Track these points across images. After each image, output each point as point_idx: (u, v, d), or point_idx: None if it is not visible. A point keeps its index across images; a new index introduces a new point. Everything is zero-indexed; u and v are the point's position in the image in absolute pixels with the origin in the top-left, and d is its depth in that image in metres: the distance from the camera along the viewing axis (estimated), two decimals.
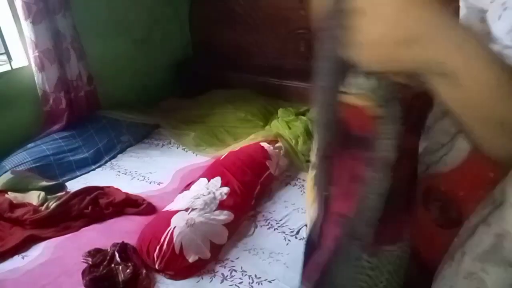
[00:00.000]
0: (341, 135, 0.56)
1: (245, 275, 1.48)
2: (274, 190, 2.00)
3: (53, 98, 2.31)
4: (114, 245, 1.57)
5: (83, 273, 1.45)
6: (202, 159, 2.28)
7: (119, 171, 2.24)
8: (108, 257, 1.50)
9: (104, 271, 1.44)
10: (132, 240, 1.61)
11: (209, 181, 1.85)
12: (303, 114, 2.48)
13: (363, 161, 0.54)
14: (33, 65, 2.23)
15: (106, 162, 2.33)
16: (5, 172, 2.02)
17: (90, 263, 1.50)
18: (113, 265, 1.47)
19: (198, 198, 1.73)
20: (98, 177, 2.17)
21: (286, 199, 1.93)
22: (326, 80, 0.53)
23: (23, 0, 2.08)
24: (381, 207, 0.53)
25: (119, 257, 1.50)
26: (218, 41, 3.11)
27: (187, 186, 1.87)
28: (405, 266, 0.61)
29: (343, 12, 0.44)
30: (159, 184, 2.09)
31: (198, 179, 1.87)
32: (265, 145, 2.10)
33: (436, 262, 0.57)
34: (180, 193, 1.87)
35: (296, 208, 1.85)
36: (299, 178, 2.09)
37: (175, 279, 1.49)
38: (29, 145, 2.20)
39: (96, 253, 1.55)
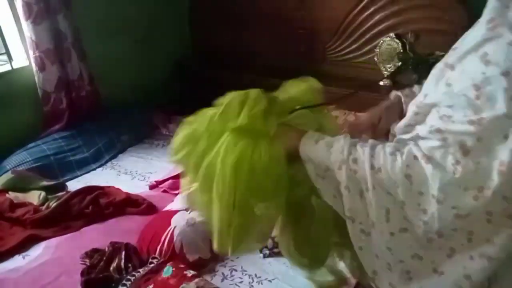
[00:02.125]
0: None
1: (245, 274, 1.49)
2: None
3: (54, 98, 2.32)
4: (112, 244, 1.57)
5: (82, 274, 1.46)
6: None
7: (119, 171, 2.24)
8: (105, 258, 1.50)
9: (101, 274, 1.44)
10: (132, 240, 1.61)
11: None
12: None
13: None
14: (33, 65, 2.24)
15: (106, 161, 2.34)
16: (6, 172, 2.03)
17: (88, 264, 1.50)
18: (111, 268, 1.47)
19: None
20: (98, 177, 2.17)
21: None
22: None
23: (23, 0, 2.08)
24: None
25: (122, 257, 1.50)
26: (218, 41, 3.11)
27: None
28: None
29: None
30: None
31: None
32: None
33: None
34: (179, 192, 1.88)
35: None
36: None
37: None
38: (30, 145, 2.20)
39: (93, 254, 1.55)
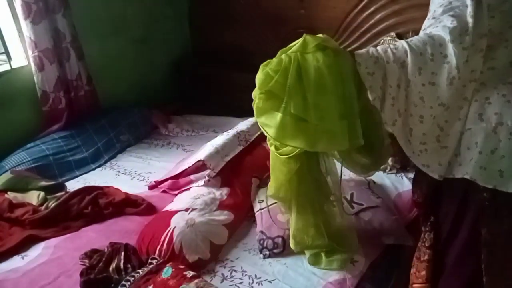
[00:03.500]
0: None
1: (245, 275, 1.48)
2: None
3: (53, 98, 2.31)
4: (111, 244, 1.56)
5: (81, 274, 1.45)
6: None
7: (118, 171, 2.23)
8: (104, 258, 1.50)
9: (100, 275, 1.43)
10: (131, 240, 1.61)
11: (209, 181, 1.85)
12: None
13: None
14: (32, 64, 2.23)
15: (105, 161, 2.33)
16: (5, 172, 2.02)
17: (87, 265, 1.50)
18: (110, 268, 1.46)
19: (198, 198, 1.72)
20: (97, 177, 2.17)
21: None
22: None
23: None
24: None
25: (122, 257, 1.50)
26: (218, 41, 3.10)
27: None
28: None
29: None
30: None
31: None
32: (266, 145, 2.10)
33: None
34: (179, 192, 1.87)
35: None
36: None
37: None
38: (29, 145, 2.20)
39: (93, 254, 1.54)
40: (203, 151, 1.95)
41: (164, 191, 1.98)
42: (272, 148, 1.30)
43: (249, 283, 1.44)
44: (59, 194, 1.92)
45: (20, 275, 1.50)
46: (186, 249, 1.50)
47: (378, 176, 1.97)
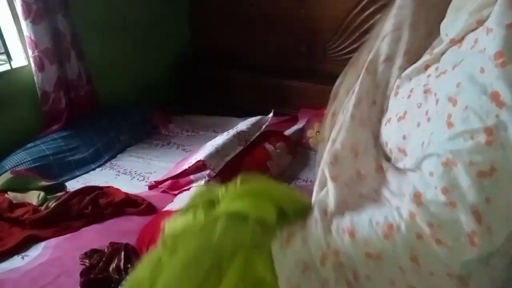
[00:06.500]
0: None
1: None
2: None
3: (53, 97, 2.31)
4: (111, 244, 1.56)
5: (81, 274, 1.45)
6: None
7: (118, 171, 2.23)
8: (104, 258, 1.50)
9: (100, 275, 1.43)
10: (131, 240, 1.60)
11: (209, 181, 1.85)
12: None
13: None
14: (32, 64, 2.23)
15: (105, 161, 2.33)
16: (5, 172, 2.02)
17: (88, 264, 1.50)
18: (110, 268, 1.46)
19: None
20: (97, 177, 2.16)
21: None
22: None
23: None
24: None
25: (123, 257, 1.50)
26: (218, 41, 3.11)
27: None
28: None
29: None
30: None
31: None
32: (266, 145, 2.11)
33: None
34: (179, 192, 1.87)
35: None
36: (299, 178, 2.08)
37: None
38: (29, 145, 2.19)
39: (93, 254, 1.54)
40: (203, 151, 1.95)
41: (164, 191, 1.98)
42: None
43: None
44: (59, 194, 1.92)
45: (20, 275, 1.50)
46: None
47: None
